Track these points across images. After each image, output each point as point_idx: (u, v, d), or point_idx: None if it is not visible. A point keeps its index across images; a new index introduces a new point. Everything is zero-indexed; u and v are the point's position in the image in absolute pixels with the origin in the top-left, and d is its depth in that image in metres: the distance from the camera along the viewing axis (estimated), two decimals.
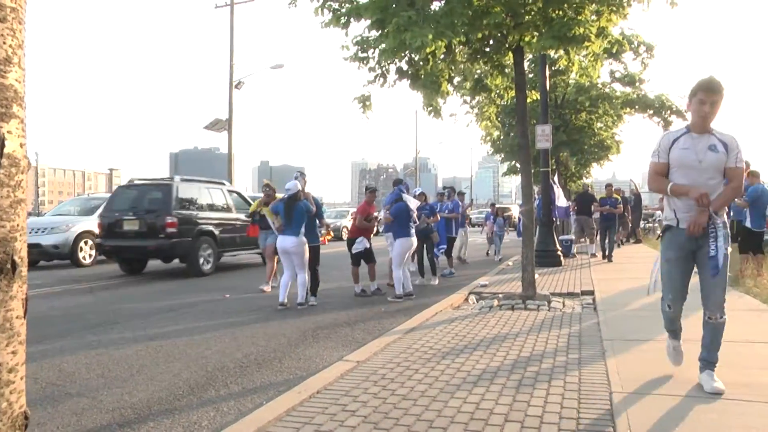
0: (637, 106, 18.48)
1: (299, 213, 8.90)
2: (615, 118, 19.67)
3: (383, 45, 7.07)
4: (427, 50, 6.91)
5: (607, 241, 15.22)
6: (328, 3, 7.75)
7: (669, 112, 18.16)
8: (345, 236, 27.63)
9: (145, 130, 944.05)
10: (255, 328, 7.35)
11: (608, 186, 16.41)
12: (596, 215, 16.51)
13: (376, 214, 10.55)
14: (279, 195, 9.68)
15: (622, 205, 16.83)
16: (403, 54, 7.45)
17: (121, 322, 7.81)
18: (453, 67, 8.49)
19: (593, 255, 16.65)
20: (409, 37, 6.60)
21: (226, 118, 30.04)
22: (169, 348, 6.29)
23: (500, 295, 8.71)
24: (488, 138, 19.69)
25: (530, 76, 17.33)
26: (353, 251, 10.14)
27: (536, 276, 8.75)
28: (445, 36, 6.76)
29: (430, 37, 6.58)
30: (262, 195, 10.93)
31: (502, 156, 22.70)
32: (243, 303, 9.36)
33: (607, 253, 15.09)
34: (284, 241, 8.89)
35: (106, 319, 8.00)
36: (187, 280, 12.60)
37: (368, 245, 10.17)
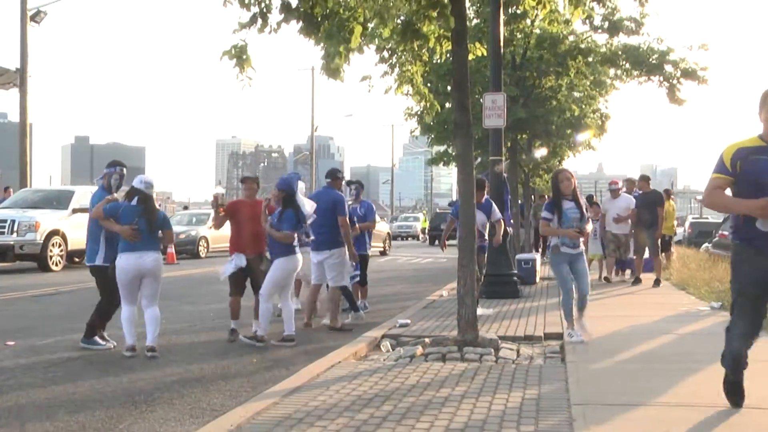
0: (627, 64, 18.36)
1: (161, 220, 9.15)
2: (594, 84, 19.94)
3: None
4: None
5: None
6: None
7: (675, 69, 18.03)
8: (203, 253, 27.89)
9: None
10: (54, 391, 7.14)
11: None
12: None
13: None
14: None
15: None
16: None
17: None
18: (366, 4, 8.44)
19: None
20: None
21: (16, 68, 29.00)
22: None
23: (426, 340, 8.74)
24: (418, 111, 19.73)
25: (475, 22, 17.62)
26: (223, 274, 10.03)
27: (479, 312, 8.83)
28: None
29: None
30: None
31: (431, 137, 22.88)
32: (37, 353, 9.03)
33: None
34: (144, 258, 8.75)
35: None
36: None
37: (243, 264, 9.95)
